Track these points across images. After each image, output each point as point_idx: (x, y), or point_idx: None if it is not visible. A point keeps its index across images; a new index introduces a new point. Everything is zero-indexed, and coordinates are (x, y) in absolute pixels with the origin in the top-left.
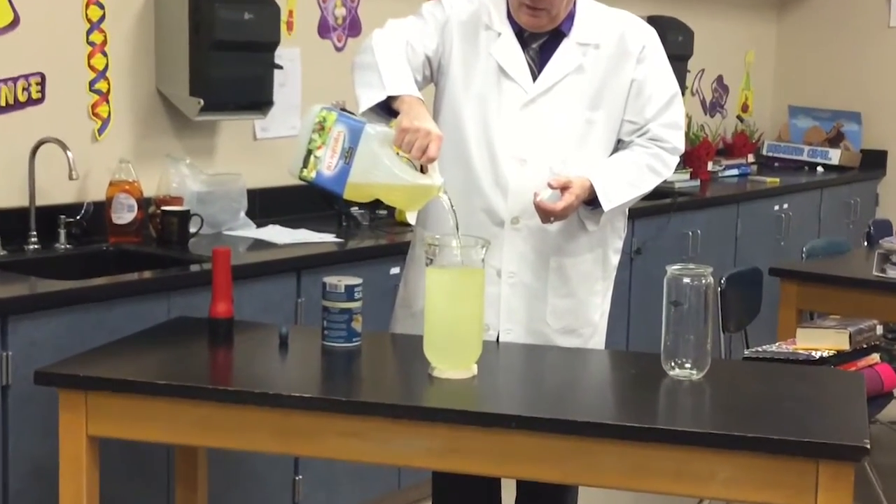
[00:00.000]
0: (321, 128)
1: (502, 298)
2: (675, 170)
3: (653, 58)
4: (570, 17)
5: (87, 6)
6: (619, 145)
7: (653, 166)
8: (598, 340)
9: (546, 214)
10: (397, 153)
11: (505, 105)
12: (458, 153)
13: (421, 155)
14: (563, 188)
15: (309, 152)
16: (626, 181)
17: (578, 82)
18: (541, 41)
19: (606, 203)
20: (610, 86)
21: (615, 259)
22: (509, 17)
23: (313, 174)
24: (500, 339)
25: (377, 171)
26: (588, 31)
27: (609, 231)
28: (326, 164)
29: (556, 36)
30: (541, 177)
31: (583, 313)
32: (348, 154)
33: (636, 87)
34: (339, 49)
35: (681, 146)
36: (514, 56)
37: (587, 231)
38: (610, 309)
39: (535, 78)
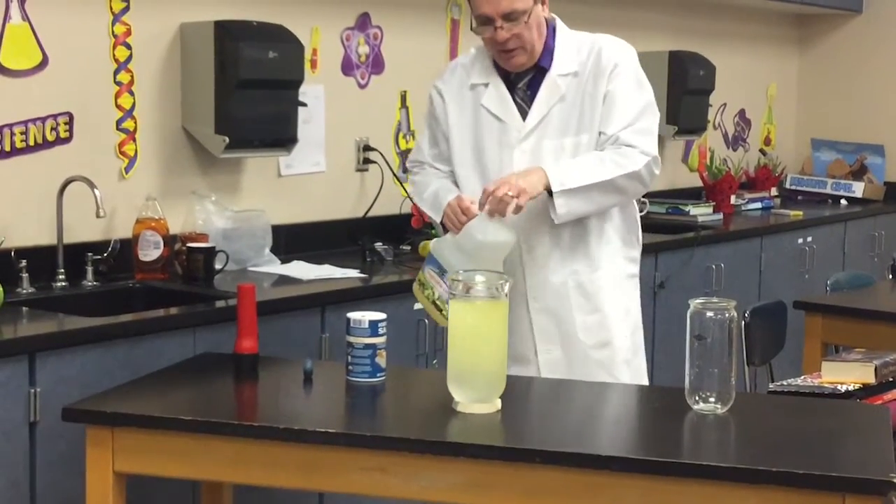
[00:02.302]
0: (422, 284)
1: (534, 324)
2: (698, 203)
3: (624, 72)
4: (550, 52)
5: (114, 47)
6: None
7: (614, 159)
8: (634, 350)
9: (495, 195)
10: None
11: (503, 146)
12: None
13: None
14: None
15: (434, 304)
16: (580, 168)
17: (563, 111)
18: (527, 79)
19: (557, 185)
20: (589, 107)
21: (632, 268)
22: (495, 65)
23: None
24: (540, 361)
25: (463, 261)
26: (566, 61)
27: (618, 243)
28: (445, 296)
29: (540, 71)
30: (541, 205)
31: (613, 326)
32: (442, 275)
33: (608, 100)
34: (362, 86)
35: (649, 149)
36: (503, 102)
37: (598, 248)
38: None
39: (524, 116)
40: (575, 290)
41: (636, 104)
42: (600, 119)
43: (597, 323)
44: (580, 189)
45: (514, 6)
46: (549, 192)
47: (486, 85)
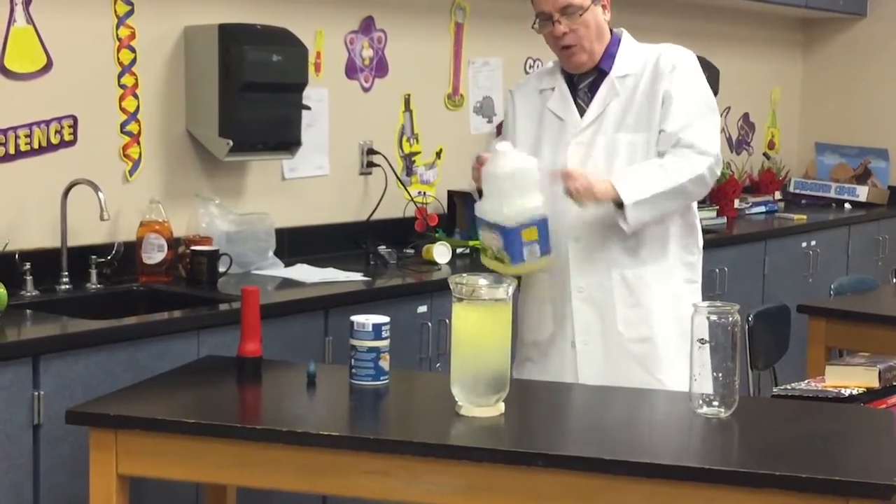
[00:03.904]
0: (483, 250)
1: (575, 313)
2: (702, 207)
3: (683, 73)
4: (612, 57)
5: (118, 50)
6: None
7: (679, 167)
8: (673, 348)
9: (569, 185)
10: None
11: (559, 144)
12: None
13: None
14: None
15: (497, 260)
16: (646, 178)
17: (618, 109)
18: (588, 81)
19: (627, 196)
20: (647, 106)
21: (688, 273)
22: (563, 72)
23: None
24: (578, 353)
25: (496, 206)
26: (626, 64)
27: (674, 245)
28: (502, 246)
29: (602, 74)
30: None
31: (654, 322)
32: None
33: (666, 99)
34: (366, 90)
35: (710, 148)
36: (565, 103)
37: (645, 243)
38: None
39: (583, 115)
40: (619, 283)
41: (695, 103)
42: (660, 118)
43: (638, 317)
44: (649, 198)
45: (568, 1)
46: (617, 204)
47: (553, 89)
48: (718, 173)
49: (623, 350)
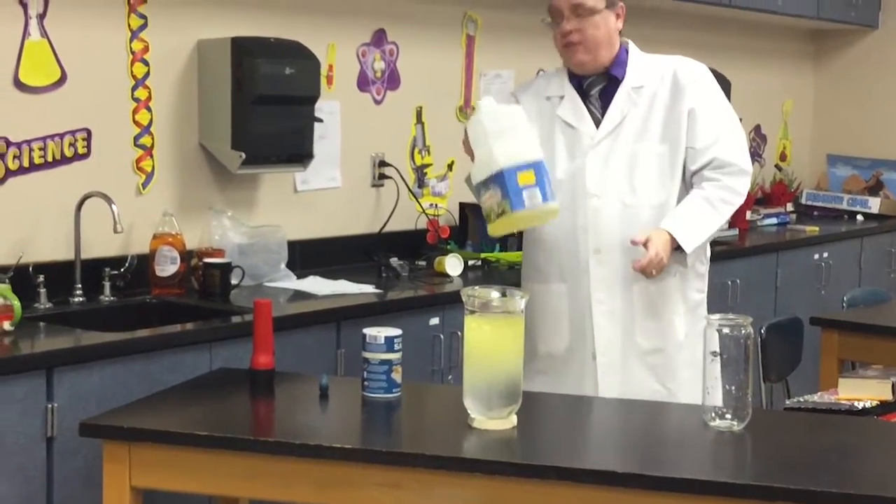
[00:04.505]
0: (487, 216)
1: (596, 326)
2: None
3: (706, 88)
4: (623, 64)
5: (132, 63)
6: (693, 178)
7: (723, 198)
8: (685, 358)
9: (645, 272)
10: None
11: (574, 154)
12: None
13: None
14: (645, 243)
15: (501, 217)
16: (699, 220)
17: (637, 120)
18: (599, 88)
19: (688, 245)
20: (667, 119)
21: (699, 283)
22: (570, 79)
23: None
24: (598, 363)
25: (485, 159)
26: (640, 74)
27: (690, 255)
28: (501, 200)
29: (612, 82)
30: (614, 210)
31: (670, 333)
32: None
33: (692, 115)
34: (378, 102)
35: (747, 166)
36: (577, 111)
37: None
38: None
39: (598, 124)
40: (641, 296)
41: (723, 119)
42: (688, 135)
43: (656, 329)
44: (704, 240)
45: (581, 0)
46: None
47: (562, 97)
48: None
49: (640, 361)
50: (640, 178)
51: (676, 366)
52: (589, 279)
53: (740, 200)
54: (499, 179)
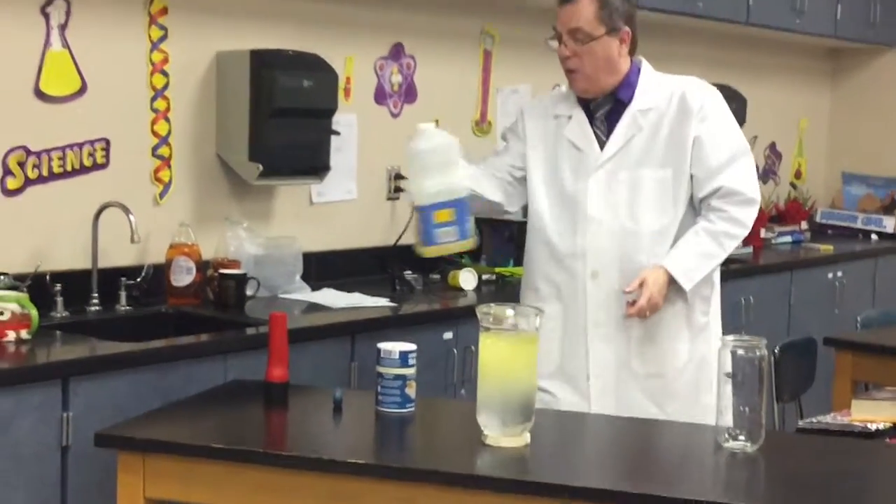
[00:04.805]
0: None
1: (591, 349)
2: None
3: (714, 114)
4: (632, 86)
5: (151, 74)
6: (700, 205)
7: (726, 231)
8: (686, 381)
9: (640, 316)
10: None
11: (578, 175)
12: (547, 223)
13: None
14: (641, 285)
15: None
16: (699, 255)
17: (641, 145)
18: (604, 110)
19: (687, 283)
20: (673, 144)
21: (704, 307)
22: (579, 99)
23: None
24: (591, 386)
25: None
26: (648, 97)
27: (697, 288)
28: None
29: (619, 104)
30: (614, 234)
31: (668, 359)
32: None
33: (699, 142)
34: (395, 115)
35: (755, 195)
36: (583, 132)
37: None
38: None
39: (602, 147)
40: (638, 321)
41: (729, 147)
42: (692, 161)
43: (653, 354)
44: (705, 275)
45: (578, 25)
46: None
47: (570, 117)
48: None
49: (636, 384)
50: (642, 204)
51: (675, 389)
52: (586, 302)
53: (745, 232)
54: (418, 210)
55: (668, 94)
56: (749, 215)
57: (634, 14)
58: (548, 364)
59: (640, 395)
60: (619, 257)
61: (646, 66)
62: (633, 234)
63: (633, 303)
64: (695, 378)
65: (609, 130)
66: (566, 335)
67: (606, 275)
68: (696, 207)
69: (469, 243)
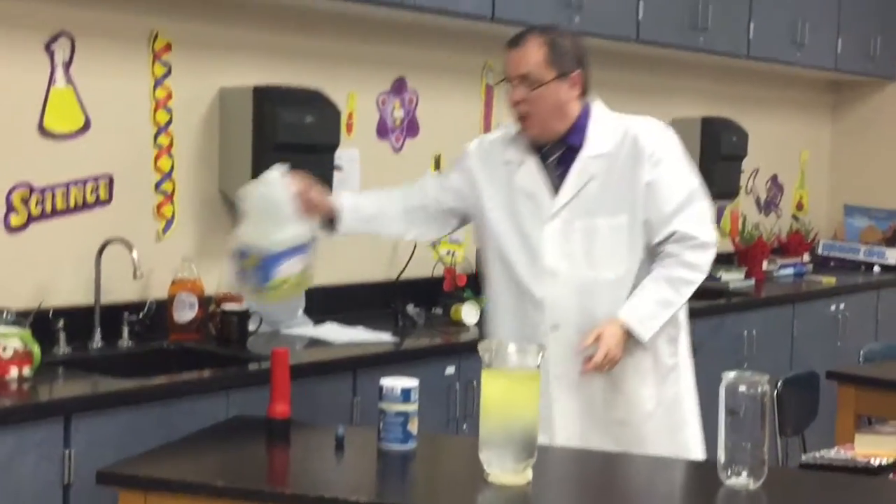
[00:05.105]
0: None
1: (554, 401)
2: (729, 268)
3: (666, 158)
4: (582, 130)
5: (155, 110)
6: (657, 248)
7: (682, 277)
8: (654, 427)
9: (598, 371)
10: None
11: (533, 224)
12: (506, 274)
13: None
14: (596, 339)
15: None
16: (656, 303)
17: (595, 192)
18: (556, 155)
19: (644, 333)
20: (626, 190)
21: (671, 348)
22: (531, 145)
23: None
24: (557, 436)
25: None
26: (599, 142)
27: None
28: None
29: (571, 150)
30: (572, 286)
31: (635, 406)
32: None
33: (651, 187)
34: (396, 150)
35: (709, 238)
36: (535, 179)
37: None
38: None
39: (555, 194)
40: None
41: (683, 189)
42: (645, 206)
43: (619, 401)
44: (663, 324)
45: (528, 70)
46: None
47: (521, 163)
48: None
49: (603, 431)
50: (599, 253)
51: (644, 434)
52: (547, 354)
53: (701, 276)
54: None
55: (620, 137)
56: (705, 259)
57: (585, 55)
58: None
59: (608, 442)
60: (578, 310)
61: (597, 108)
62: (592, 284)
63: (591, 357)
64: (666, 421)
65: (562, 177)
66: None
67: (566, 327)
68: (651, 252)
69: (263, 294)
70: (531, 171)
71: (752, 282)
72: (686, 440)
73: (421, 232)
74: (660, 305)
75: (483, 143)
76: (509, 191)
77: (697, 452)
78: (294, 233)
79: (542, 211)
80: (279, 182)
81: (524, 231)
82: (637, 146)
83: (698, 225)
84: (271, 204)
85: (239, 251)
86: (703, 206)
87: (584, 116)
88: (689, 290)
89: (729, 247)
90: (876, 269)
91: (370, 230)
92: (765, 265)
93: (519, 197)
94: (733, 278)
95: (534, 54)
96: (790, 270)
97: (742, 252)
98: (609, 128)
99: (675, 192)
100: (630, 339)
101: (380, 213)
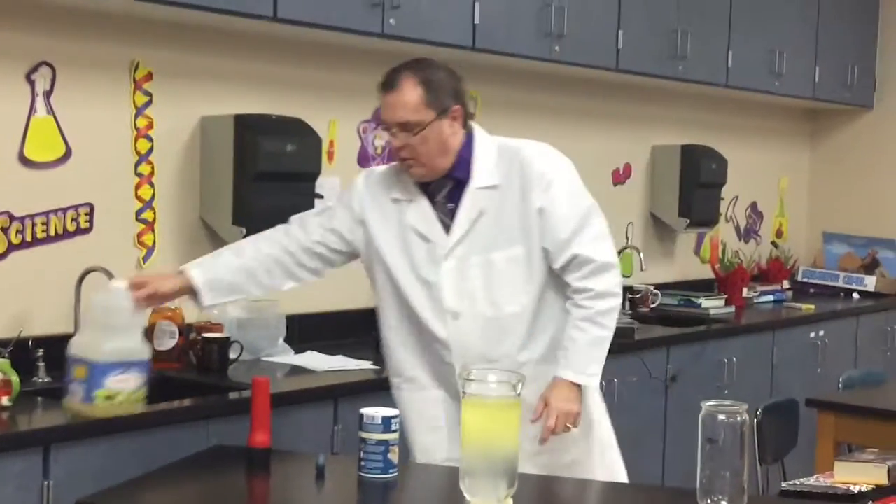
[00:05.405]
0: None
1: None
2: (709, 296)
3: (556, 181)
4: (467, 162)
5: (136, 139)
6: (561, 272)
7: (599, 309)
8: (581, 450)
9: (561, 433)
10: None
11: (428, 265)
12: (406, 314)
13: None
14: (545, 407)
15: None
16: (588, 346)
17: (487, 226)
18: (445, 191)
19: (589, 381)
20: (519, 220)
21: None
22: (417, 182)
23: None
24: None
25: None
26: (486, 174)
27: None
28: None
29: (458, 183)
30: (475, 325)
31: (556, 435)
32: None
33: (544, 215)
34: None
35: (610, 257)
36: (426, 218)
37: (540, 365)
38: (644, 437)
39: (448, 229)
40: (524, 410)
41: (577, 212)
42: (541, 234)
43: (538, 431)
44: (602, 364)
45: (406, 118)
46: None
47: (410, 201)
48: (620, 277)
49: (529, 462)
50: (499, 288)
51: (569, 462)
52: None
53: (617, 300)
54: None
55: (507, 165)
56: (612, 281)
57: (461, 84)
58: (440, 452)
59: (533, 469)
60: (484, 350)
61: (479, 136)
62: (495, 321)
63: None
64: (590, 445)
65: (453, 212)
66: (454, 424)
67: (476, 365)
68: (553, 276)
69: (91, 410)
70: (421, 210)
71: (732, 309)
72: (611, 463)
73: (303, 277)
74: (592, 347)
75: (371, 177)
76: (400, 229)
77: (622, 475)
78: (129, 345)
79: (436, 251)
80: (121, 293)
81: (420, 273)
82: (525, 172)
83: (596, 247)
84: (110, 314)
85: (70, 361)
86: (599, 226)
87: (467, 147)
88: (614, 317)
89: (709, 274)
90: (855, 295)
91: (237, 296)
92: (745, 292)
93: (411, 236)
94: (713, 305)
95: (410, 98)
96: (770, 297)
97: (722, 279)
98: (494, 156)
99: (569, 217)
100: (580, 389)
101: (246, 277)
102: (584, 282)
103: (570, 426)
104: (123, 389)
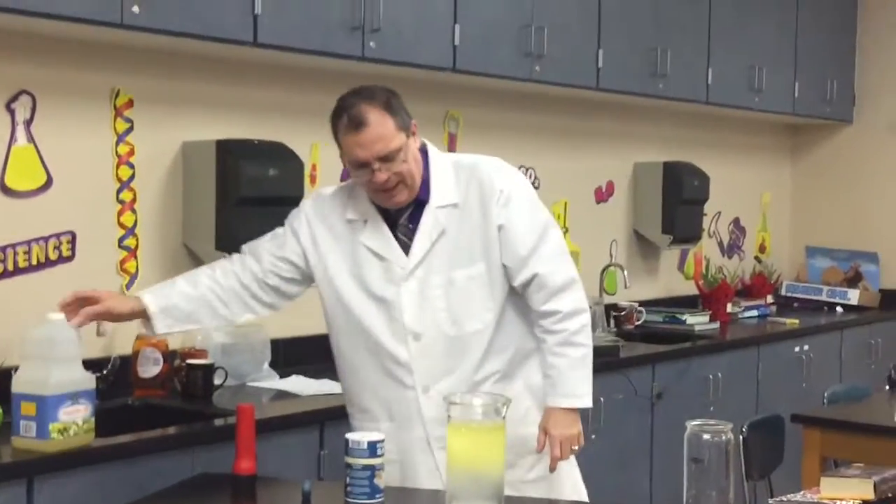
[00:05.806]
0: None
1: (439, 463)
2: (694, 312)
3: (514, 198)
4: (426, 182)
5: (117, 166)
6: (522, 291)
7: (571, 330)
8: (543, 467)
9: (568, 457)
10: None
11: (387, 286)
12: (361, 339)
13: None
14: (546, 435)
15: None
16: (570, 369)
17: (447, 245)
18: (407, 213)
19: (580, 402)
20: (479, 237)
21: (529, 392)
22: (372, 202)
23: None
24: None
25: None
26: (444, 192)
27: (530, 371)
28: None
29: (420, 204)
30: (438, 345)
31: (518, 447)
32: None
33: (504, 231)
34: None
35: (570, 273)
36: (384, 239)
37: (498, 383)
38: (631, 455)
39: (407, 250)
40: None
41: (535, 228)
42: (502, 251)
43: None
44: (590, 382)
45: (388, 147)
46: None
47: (365, 222)
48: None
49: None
50: (460, 306)
51: (536, 479)
52: (422, 419)
53: (586, 315)
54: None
55: (465, 183)
56: (577, 297)
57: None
58: (393, 483)
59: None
60: (447, 369)
61: (433, 154)
62: (458, 340)
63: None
64: (548, 461)
65: (412, 231)
66: (405, 455)
67: (438, 388)
68: (514, 292)
69: (44, 443)
70: (380, 232)
71: (716, 325)
72: (575, 480)
73: (259, 311)
74: (575, 369)
75: (319, 199)
76: (353, 248)
77: (584, 491)
78: (74, 376)
79: (394, 270)
80: (61, 324)
81: (377, 294)
82: (484, 189)
83: (556, 265)
84: (53, 346)
85: (17, 398)
86: (556, 239)
87: (423, 167)
88: (588, 333)
89: (693, 290)
90: (839, 309)
91: (191, 326)
92: (729, 308)
93: (368, 257)
94: (698, 322)
95: (385, 129)
96: (754, 312)
97: (706, 295)
98: (451, 174)
99: (528, 233)
100: (576, 410)
101: (201, 307)
102: (550, 304)
103: (575, 448)
104: (76, 420)
